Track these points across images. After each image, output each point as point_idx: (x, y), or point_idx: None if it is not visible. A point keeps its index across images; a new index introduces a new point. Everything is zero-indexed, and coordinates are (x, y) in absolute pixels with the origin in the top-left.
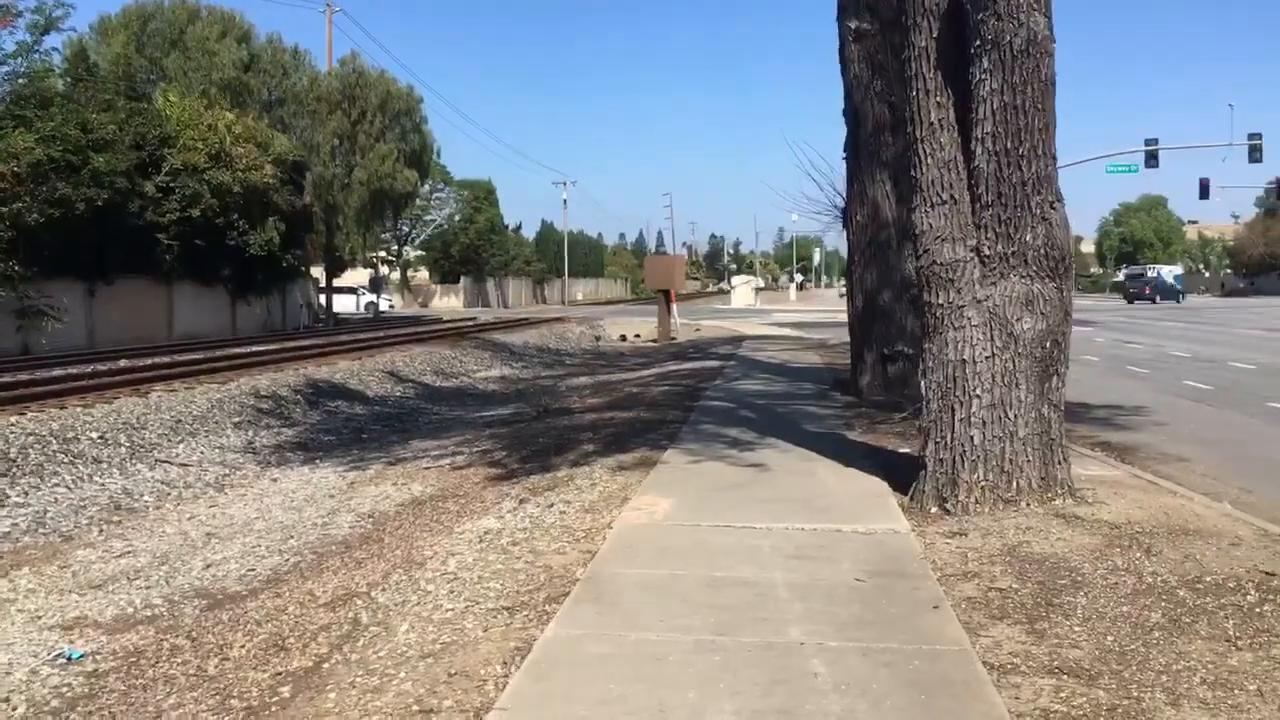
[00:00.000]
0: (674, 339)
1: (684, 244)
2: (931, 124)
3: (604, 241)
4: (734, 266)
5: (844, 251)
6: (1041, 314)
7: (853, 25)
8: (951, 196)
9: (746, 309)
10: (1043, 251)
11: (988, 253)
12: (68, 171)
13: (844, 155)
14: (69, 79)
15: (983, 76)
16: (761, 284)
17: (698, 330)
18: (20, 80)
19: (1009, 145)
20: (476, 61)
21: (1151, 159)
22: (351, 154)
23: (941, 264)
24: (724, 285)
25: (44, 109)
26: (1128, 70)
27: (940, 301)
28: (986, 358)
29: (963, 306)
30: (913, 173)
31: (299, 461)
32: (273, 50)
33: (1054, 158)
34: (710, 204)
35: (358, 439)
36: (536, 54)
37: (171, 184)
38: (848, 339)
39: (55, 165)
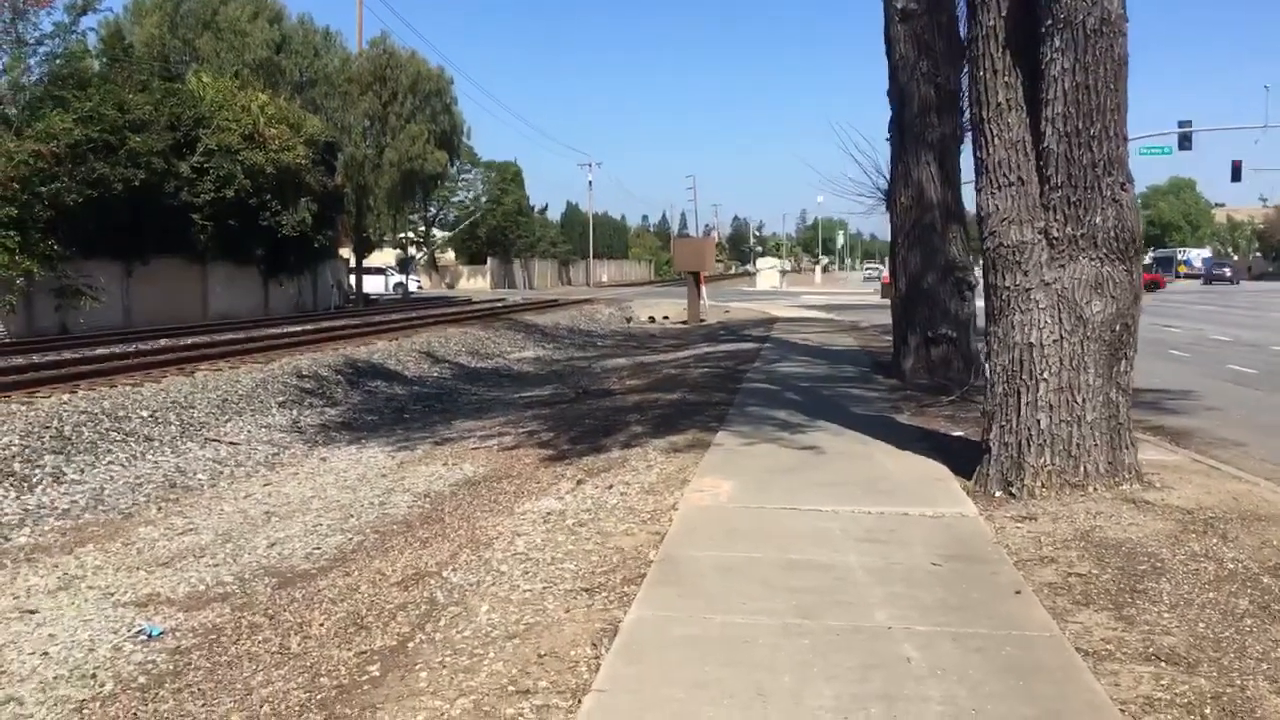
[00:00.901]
0: (704, 321)
1: (706, 226)
2: (999, 104)
3: (627, 223)
4: (759, 249)
5: (869, 234)
6: (1111, 297)
7: (899, 5)
8: (1019, 178)
9: (773, 291)
10: (1113, 234)
11: (1056, 235)
12: (105, 152)
13: (888, 136)
14: (105, 60)
15: (1054, 56)
16: (787, 267)
17: (727, 312)
18: (58, 61)
19: (1080, 126)
20: (503, 43)
21: (1185, 141)
22: (382, 135)
23: (1009, 246)
24: (749, 268)
25: (81, 89)
26: (1161, 52)
27: (1007, 284)
28: (1054, 341)
29: (1030, 289)
30: (978, 153)
31: (345, 441)
32: (304, 31)
33: (1125, 139)
34: (733, 186)
35: (400, 419)
36: (562, 35)
37: (206, 164)
38: (879, 322)
39: (93, 145)
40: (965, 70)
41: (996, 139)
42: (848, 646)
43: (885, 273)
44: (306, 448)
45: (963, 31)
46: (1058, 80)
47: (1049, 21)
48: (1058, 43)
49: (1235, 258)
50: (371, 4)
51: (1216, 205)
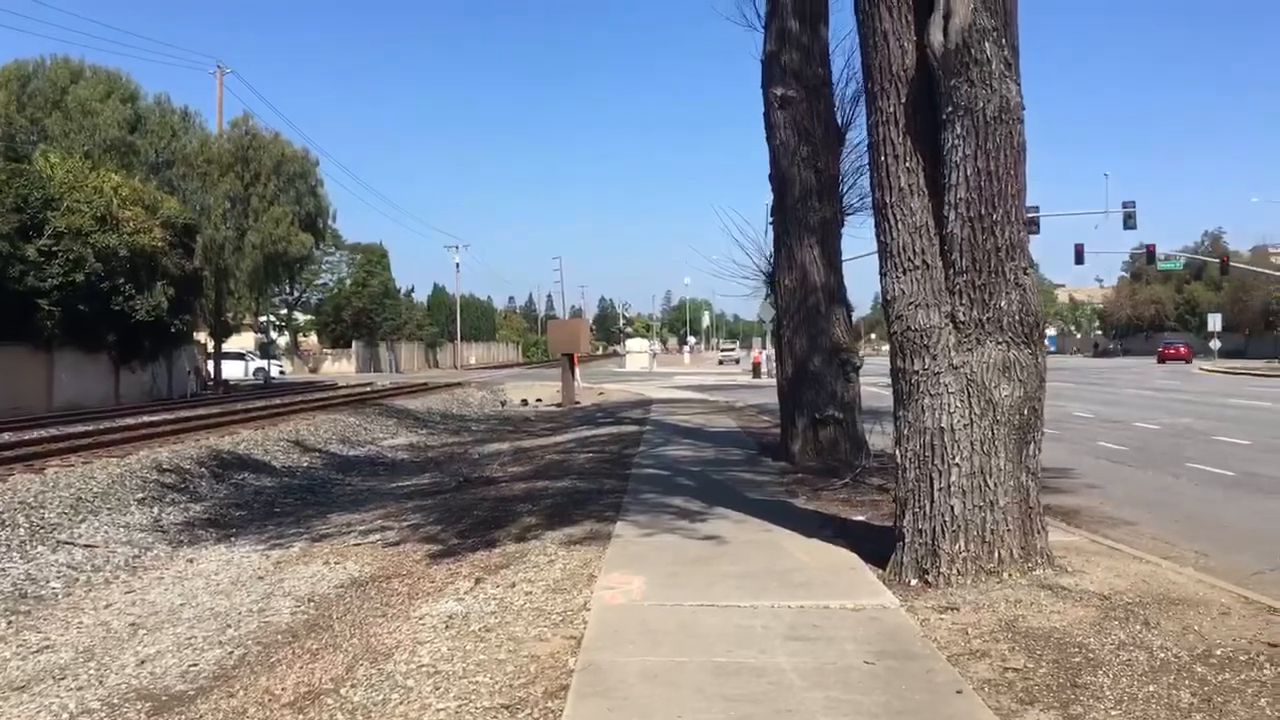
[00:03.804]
0: (578, 403)
1: (574, 307)
2: (901, 189)
3: (494, 305)
4: (629, 330)
5: (732, 315)
6: (1019, 380)
7: (778, 92)
8: (924, 262)
9: (644, 372)
10: (1018, 317)
11: (963, 318)
12: None
13: (770, 220)
14: None
15: (955, 142)
16: (658, 348)
17: (601, 394)
18: None
19: (983, 211)
20: (369, 125)
21: (1032, 225)
22: (244, 217)
23: (916, 330)
24: (617, 348)
25: None
26: None
27: (915, 368)
28: (965, 425)
29: (939, 373)
30: (881, 237)
31: (213, 539)
32: (161, 111)
33: (1025, 223)
34: (599, 267)
35: (271, 513)
36: (429, 119)
37: (54, 248)
38: (753, 402)
39: None
40: (844, 155)
41: (900, 223)
42: None
43: (756, 353)
44: (171, 548)
45: (839, 119)
46: (960, 166)
47: (949, 109)
48: (959, 129)
49: (1079, 335)
50: (233, 85)
51: (1058, 286)
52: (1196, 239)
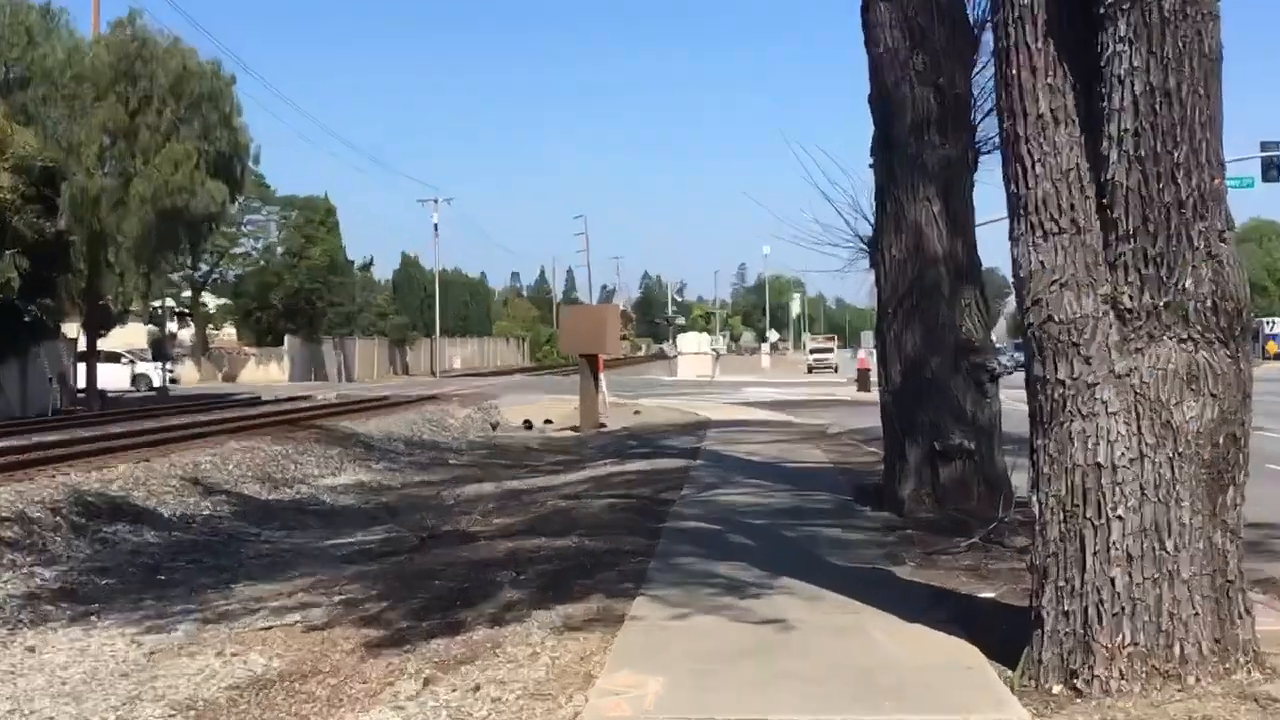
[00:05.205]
0: (604, 426)
1: (604, 286)
2: (1040, 116)
3: (489, 284)
4: (680, 320)
5: (833, 299)
6: (1211, 395)
7: None
8: (1073, 222)
9: (701, 381)
10: (1210, 303)
11: (1129, 305)
12: None
13: (871, 162)
14: None
15: (1119, 48)
16: (722, 346)
17: (637, 413)
18: None
19: (1159, 149)
20: (311, 35)
21: (1272, 169)
22: (130, 157)
23: (1061, 321)
24: (665, 347)
25: None
26: (1236, 53)
27: (1060, 376)
28: (1132, 460)
29: (1095, 384)
30: (1011, 186)
31: (66, 619)
32: (11, 9)
33: (1223, 165)
34: (641, 233)
35: (151, 581)
36: (399, 39)
37: None
38: (856, 426)
39: None
40: (979, 69)
41: (1038, 165)
42: None
43: (863, 355)
44: (6, 631)
45: (973, 13)
46: (1125, 83)
47: (1111, 1)
48: (1123, 29)
49: None
50: None
51: None
52: None
